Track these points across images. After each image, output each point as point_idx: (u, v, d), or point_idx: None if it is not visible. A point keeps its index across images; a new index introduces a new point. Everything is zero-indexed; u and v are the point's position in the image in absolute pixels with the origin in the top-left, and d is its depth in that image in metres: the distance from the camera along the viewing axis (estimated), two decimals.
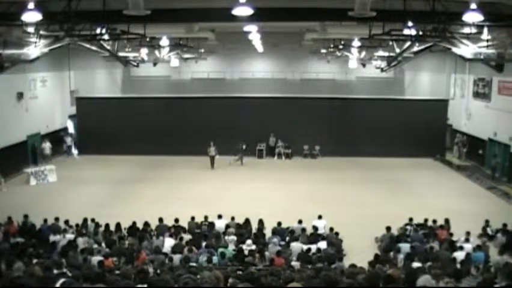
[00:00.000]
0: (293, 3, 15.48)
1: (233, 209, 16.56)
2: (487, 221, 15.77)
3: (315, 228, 14.92)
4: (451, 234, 14.35)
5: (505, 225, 15.19)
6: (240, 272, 9.68)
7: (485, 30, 16.42)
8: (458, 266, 10.86)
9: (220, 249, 12.84)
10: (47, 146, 25.53)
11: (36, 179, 22.57)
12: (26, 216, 15.31)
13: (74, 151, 29.18)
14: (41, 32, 17.00)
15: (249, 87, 35.72)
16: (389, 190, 21.94)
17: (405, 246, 13.29)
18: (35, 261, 10.65)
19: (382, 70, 31.17)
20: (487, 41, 17.31)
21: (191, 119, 28.66)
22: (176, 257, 12.17)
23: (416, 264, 11.31)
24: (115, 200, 20.11)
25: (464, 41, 17.93)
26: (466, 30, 16.77)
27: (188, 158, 26.42)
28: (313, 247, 13.36)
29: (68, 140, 29.22)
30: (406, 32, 17.09)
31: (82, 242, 13.26)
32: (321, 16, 17.39)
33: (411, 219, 15.52)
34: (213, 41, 28.97)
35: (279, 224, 15.12)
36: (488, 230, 15.44)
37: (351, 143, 28.20)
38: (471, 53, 18.44)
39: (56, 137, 28.47)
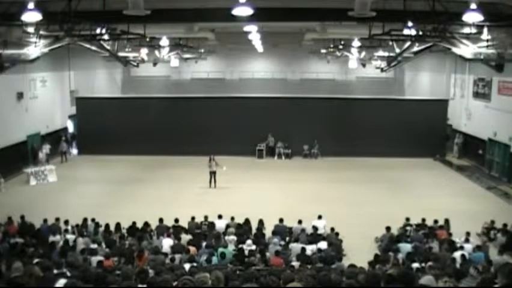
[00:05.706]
0: (293, 3, 15.50)
1: (233, 209, 16.55)
2: (492, 222, 15.69)
3: (315, 228, 14.93)
4: (451, 234, 14.35)
5: (505, 225, 15.18)
6: (239, 272, 9.67)
7: (485, 30, 16.40)
8: (458, 266, 10.86)
9: (220, 250, 12.83)
10: (43, 153, 24.85)
11: (36, 179, 22.55)
12: (22, 217, 15.22)
13: (74, 150, 29.08)
14: (41, 32, 16.98)
15: (249, 87, 35.77)
16: (389, 190, 21.93)
17: (405, 246, 13.29)
18: (35, 261, 10.63)
19: (382, 70, 31.20)
20: (487, 41, 17.29)
21: (191, 119, 28.65)
22: (176, 257, 12.16)
23: (415, 265, 11.31)
24: (115, 200, 20.10)
25: (464, 41, 17.92)
26: (466, 30, 16.76)
27: (188, 158, 26.39)
28: (314, 247, 13.36)
29: (64, 146, 27.68)
30: (406, 32, 17.09)
31: (82, 242, 13.27)
32: (321, 16, 17.42)
33: (408, 219, 15.50)
34: (213, 41, 28.95)
35: (281, 220, 15.17)
36: (491, 233, 15.33)
37: (351, 143, 28.17)
38: (471, 53, 18.44)
39: (53, 139, 28.11)
